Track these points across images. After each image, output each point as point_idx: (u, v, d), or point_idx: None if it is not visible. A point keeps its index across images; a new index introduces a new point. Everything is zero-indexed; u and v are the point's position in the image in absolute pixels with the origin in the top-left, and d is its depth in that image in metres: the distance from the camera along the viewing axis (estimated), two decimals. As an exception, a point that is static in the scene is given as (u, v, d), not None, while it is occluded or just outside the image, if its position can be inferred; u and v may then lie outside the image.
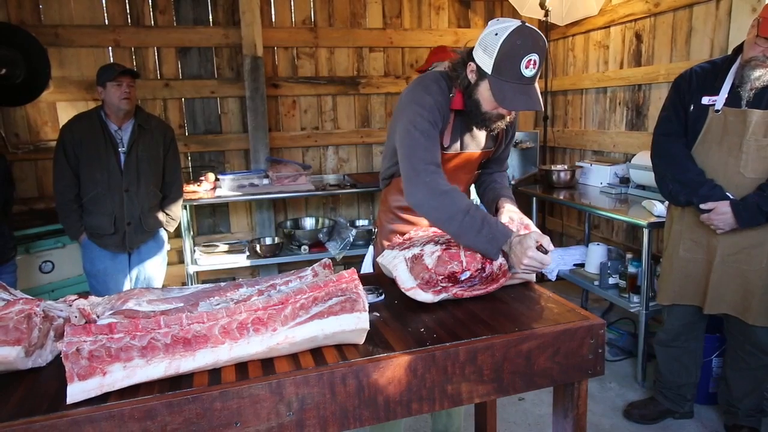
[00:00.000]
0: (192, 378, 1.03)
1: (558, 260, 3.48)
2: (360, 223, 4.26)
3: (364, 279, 1.58)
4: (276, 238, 3.95)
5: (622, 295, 2.96)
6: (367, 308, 1.14)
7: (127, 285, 2.87)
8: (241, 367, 1.07)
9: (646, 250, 2.71)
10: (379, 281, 1.57)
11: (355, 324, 1.12)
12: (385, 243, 1.79)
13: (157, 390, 0.99)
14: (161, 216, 2.92)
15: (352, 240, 3.74)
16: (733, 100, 2.10)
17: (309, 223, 4.19)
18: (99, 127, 2.69)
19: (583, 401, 1.29)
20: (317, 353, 1.12)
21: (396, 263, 1.44)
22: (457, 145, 1.73)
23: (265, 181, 3.78)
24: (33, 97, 3.34)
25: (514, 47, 1.45)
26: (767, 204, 2.04)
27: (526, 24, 1.48)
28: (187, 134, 3.98)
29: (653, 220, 2.66)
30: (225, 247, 3.80)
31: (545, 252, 1.39)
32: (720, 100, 2.13)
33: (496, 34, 1.46)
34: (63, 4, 3.57)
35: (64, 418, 0.92)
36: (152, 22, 3.79)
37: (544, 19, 3.93)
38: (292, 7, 4.07)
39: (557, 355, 1.22)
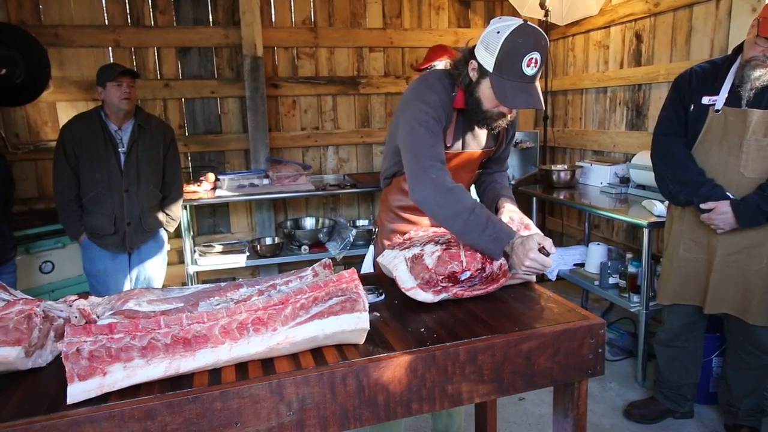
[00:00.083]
0: (192, 378, 1.03)
1: (558, 260, 3.48)
2: (360, 223, 4.26)
3: (364, 279, 1.58)
4: (276, 238, 3.95)
5: (622, 295, 2.96)
6: (367, 308, 1.14)
7: (127, 285, 2.87)
8: (242, 367, 1.07)
9: (646, 249, 2.71)
10: (380, 281, 1.57)
11: (355, 324, 1.12)
12: (386, 242, 1.79)
13: (158, 390, 0.99)
14: (161, 216, 2.92)
15: (352, 240, 3.74)
16: (733, 99, 2.10)
17: (309, 223, 4.19)
18: (99, 128, 2.69)
19: (583, 401, 1.29)
20: (317, 353, 1.12)
21: (396, 263, 1.44)
22: (459, 144, 1.73)
23: (265, 181, 3.79)
24: (33, 97, 3.34)
25: (516, 45, 1.45)
26: (767, 204, 2.04)
27: (528, 23, 1.48)
28: (187, 134, 3.98)
29: (653, 219, 2.66)
30: (225, 248, 3.80)
31: (547, 254, 1.39)
32: (720, 99, 2.12)
33: (498, 33, 1.47)
34: (63, 4, 3.57)
35: (64, 418, 0.92)
36: (152, 22, 3.79)
37: (544, 19, 3.93)
38: (292, 7, 4.07)
39: (557, 354, 1.22)
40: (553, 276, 3.44)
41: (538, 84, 1.54)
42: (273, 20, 4.04)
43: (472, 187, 2.11)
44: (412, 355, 1.11)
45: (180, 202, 3.04)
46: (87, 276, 2.89)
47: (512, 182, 3.97)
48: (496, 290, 1.45)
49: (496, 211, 1.75)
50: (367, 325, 1.14)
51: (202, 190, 3.60)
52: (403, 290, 1.38)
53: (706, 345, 2.52)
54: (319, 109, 4.26)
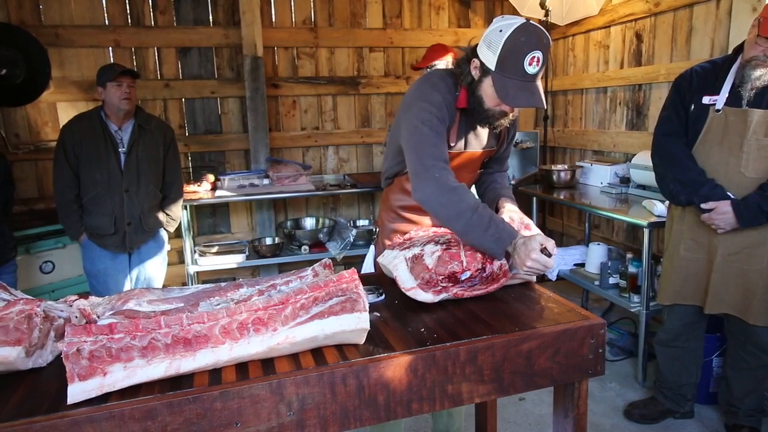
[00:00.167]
0: (192, 378, 1.03)
1: (558, 260, 3.48)
2: (360, 223, 4.26)
3: (365, 279, 1.57)
4: (276, 238, 3.95)
5: (622, 295, 2.96)
6: (367, 308, 1.14)
7: (127, 285, 2.87)
8: (242, 367, 1.07)
9: (647, 249, 2.71)
10: (380, 281, 1.57)
11: (355, 324, 1.12)
12: (387, 242, 1.79)
13: (158, 390, 0.99)
14: (161, 216, 2.92)
15: (352, 240, 3.74)
16: (733, 99, 2.10)
17: (309, 223, 4.19)
18: (99, 128, 2.69)
19: (583, 401, 1.29)
20: (317, 353, 1.12)
21: (396, 263, 1.44)
22: (461, 143, 1.72)
23: (266, 181, 3.79)
24: (33, 97, 3.34)
25: (518, 44, 1.45)
26: (768, 203, 2.04)
27: (531, 22, 1.48)
28: (187, 134, 3.98)
29: (653, 219, 2.66)
30: (225, 248, 3.80)
31: (549, 255, 1.39)
32: (720, 99, 2.12)
33: (501, 31, 1.47)
34: (63, 4, 3.57)
35: (64, 418, 0.92)
36: (152, 23, 3.79)
37: (544, 18, 3.93)
38: (292, 7, 4.07)
39: (557, 354, 1.22)
40: (553, 276, 3.44)
41: (540, 83, 1.54)
42: (273, 20, 4.04)
43: (473, 187, 2.11)
44: (412, 355, 1.11)
45: (180, 202, 3.04)
46: (87, 276, 2.89)
47: (512, 182, 3.97)
48: (497, 290, 1.45)
49: (497, 211, 1.75)
50: (367, 325, 1.14)
51: (202, 190, 3.60)
52: (403, 290, 1.38)
53: (706, 345, 2.52)
54: (320, 109, 4.26)
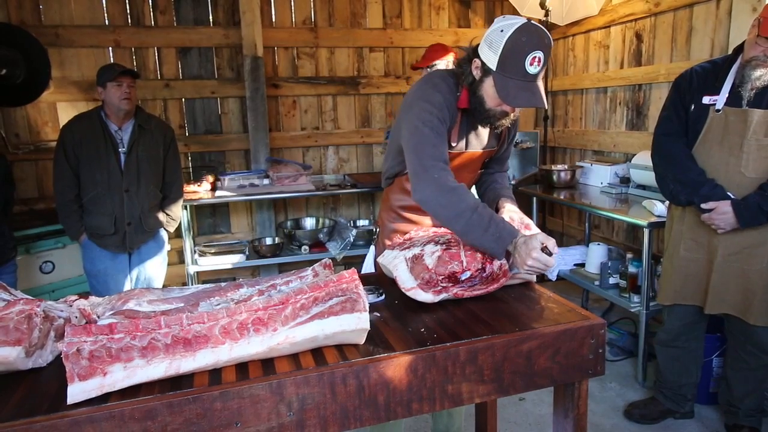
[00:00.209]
0: (192, 378, 1.03)
1: (558, 260, 3.48)
2: (360, 223, 4.26)
3: (365, 279, 1.57)
4: (276, 238, 3.95)
5: (622, 295, 2.96)
6: (367, 308, 1.14)
7: (127, 285, 2.87)
8: (242, 368, 1.07)
9: (647, 249, 2.71)
10: (380, 281, 1.57)
11: (355, 324, 1.12)
12: (387, 242, 1.79)
13: (158, 390, 0.99)
14: (161, 216, 2.92)
15: (352, 240, 3.75)
16: (733, 99, 2.10)
17: (309, 223, 4.19)
18: (99, 128, 2.69)
19: (583, 401, 1.29)
20: (318, 353, 1.12)
21: (396, 263, 1.44)
22: (462, 143, 1.73)
23: (266, 181, 3.79)
24: (33, 97, 3.34)
25: (519, 44, 1.45)
26: (768, 204, 2.04)
27: (532, 22, 1.48)
28: (187, 134, 3.98)
29: (654, 219, 2.66)
30: (225, 248, 3.79)
31: (550, 254, 1.39)
32: (721, 99, 2.12)
33: (502, 31, 1.47)
34: (63, 4, 3.57)
35: (64, 418, 0.92)
36: (152, 23, 3.79)
37: (544, 18, 3.92)
38: (293, 7, 4.07)
39: (558, 355, 1.22)
40: (553, 276, 3.44)
41: (541, 83, 1.54)
42: (273, 20, 4.04)
43: (473, 187, 2.11)
44: (412, 355, 1.11)
45: (180, 202, 3.04)
46: (87, 276, 2.89)
47: (512, 182, 3.97)
48: (497, 290, 1.45)
49: (497, 211, 1.75)
50: (367, 325, 1.13)
51: (202, 190, 3.60)
52: (403, 290, 1.38)
53: (706, 345, 2.52)
54: (320, 109, 4.26)
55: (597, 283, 3.12)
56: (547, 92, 4.39)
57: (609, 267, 3.08)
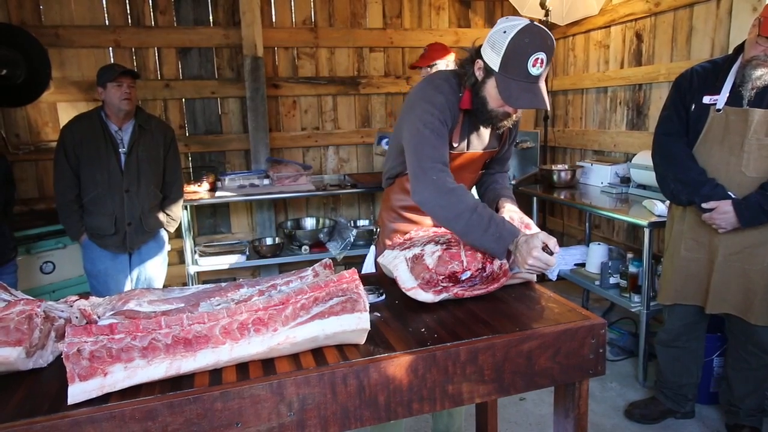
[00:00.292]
0: (193, 378, 1.03)
1: (559, 260, 3.48)
2: (361, 223, 4.26)
3: (365, 279, 1.57)
4: (277, 239, 3.95)
5: (623, 295, 2.96)
6: (367, 308, 1.14)
7: (127, 285, 2.87)
8: (242, 368, 1.07)
9: (647, 249, 2.71)
10: (380, 281, 1.57)
11: (355, 324, 1.12)
12: (387, 242, 1.79)
13: (158, 390, 0.99)
14: (162, 216, 2.92)
15: (352, 240, 3.75)
16: (734, 99, 2.10)
17: (310, 223, 4.19)
18: (99, 128, 2.69)
19: (584, 401, 1.29)
20: (318, 353, 1.12)
21: (396, 263, 1.43)
22: (464, 144, 1.73)
23: (266, 182, 3.79)
24: (33, 97, 3.34)
25: (522, 45, 1.45)
26: (769, 203, 2.04)
27: (535, 23, 1.48)
28: (187, 135, 3.98)
29: (654, 219, 2.66)
30: (226, 248, 3.79)
31: (551, 253, 1.39)
32: (721, 99, 2.12)
33: (505, 32, 1.47)
34: (63, 4, 3.57)
35: (65, 418, 0.92)
36: (152, 23, 3.79)
37: (544, 18, 3.92)
38: (293, 7, 4.07)
39: (558, 354, 1.22)
40: (553, 276, 3.44)
41: (543, 84, 1.53)
42: (273, 20, 4.04)
43: (474, 188, 2.11)
44: (412, 355, 1.11)
45: (180, 203, 3.04)
46: (87, 276, 2.89)
47: (513, 182, 3.97)
48: (497, 290, 1.45)
49: (497, 211, 1.75)
50: (367, 325, 1.13)
51: (202, 191, 3.60)
52: (403, 290, 1.38)
53: (707, 345, 2.52)
54: (320, 109, 4.26)
55: (597, 282, 3.12)
56: (547, 92, 4.38)
57: (609, 267, 3.08)
